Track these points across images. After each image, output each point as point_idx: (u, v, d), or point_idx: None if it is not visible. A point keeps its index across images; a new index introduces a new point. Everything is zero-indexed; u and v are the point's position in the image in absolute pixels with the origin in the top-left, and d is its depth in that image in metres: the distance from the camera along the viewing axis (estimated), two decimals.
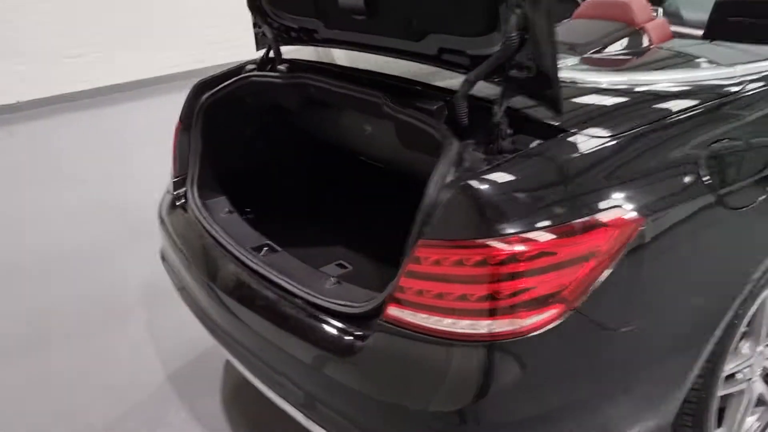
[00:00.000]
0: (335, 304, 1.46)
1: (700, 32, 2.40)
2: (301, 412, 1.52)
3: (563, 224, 1.21)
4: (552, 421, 1.31)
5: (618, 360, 1.35)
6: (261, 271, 1.65)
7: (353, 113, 2.11)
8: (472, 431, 1.26)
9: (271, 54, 2.11)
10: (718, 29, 2.28)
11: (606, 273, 1.23)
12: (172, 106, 2.43)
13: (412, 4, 1.56)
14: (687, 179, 1.38)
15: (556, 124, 1.37)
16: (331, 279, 1.65)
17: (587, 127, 1.37)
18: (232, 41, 6.03)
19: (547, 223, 1.20)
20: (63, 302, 2.90)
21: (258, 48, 2.20)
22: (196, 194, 2.00)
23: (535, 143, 1.35)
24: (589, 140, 1.34)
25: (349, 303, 1.44)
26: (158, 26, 6.64)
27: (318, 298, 1.50)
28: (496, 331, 1.20)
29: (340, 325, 1.43)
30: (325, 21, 1.83)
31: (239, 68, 2.16)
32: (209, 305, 1.78)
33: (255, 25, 2.12)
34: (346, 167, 2.57)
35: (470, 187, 1.22)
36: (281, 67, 2.06)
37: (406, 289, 1.28)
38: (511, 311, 1.19)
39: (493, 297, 1.19)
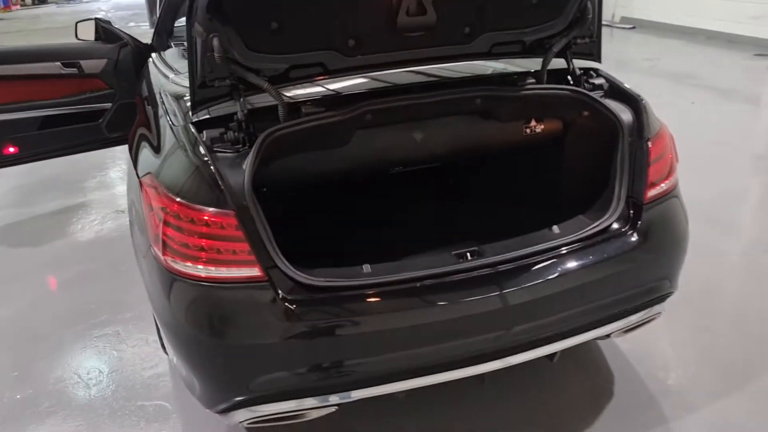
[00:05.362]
0: (599, 224, 1.91)
1: None
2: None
3: None
4: None
5: None
6: (517, 254, 1.81)
7: (400, 128, 2.19)
8: None
9: (240, 105, 1.88)
10: None
11: None
12: None
13: (473, 14, 2.01)
14: None
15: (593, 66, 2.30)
16: (553, 228, 1.98)
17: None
18: None
19: None
20: None
21: (198, 108, 1.89)
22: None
23: (601, 80, 2.22)
24: None
25: (605, 216, 1.92)
26: None
27: (591, 228, 1.90)
28: None
29: (617, 226, 1.93)
30: (343, 50, 1.91)
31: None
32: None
33: (216, 79, 1.86)
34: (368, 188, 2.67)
35: None
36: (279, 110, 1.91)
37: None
38: None
39: None
